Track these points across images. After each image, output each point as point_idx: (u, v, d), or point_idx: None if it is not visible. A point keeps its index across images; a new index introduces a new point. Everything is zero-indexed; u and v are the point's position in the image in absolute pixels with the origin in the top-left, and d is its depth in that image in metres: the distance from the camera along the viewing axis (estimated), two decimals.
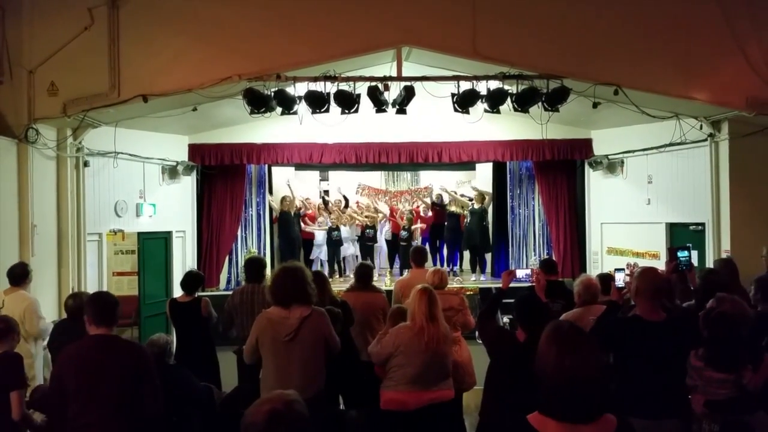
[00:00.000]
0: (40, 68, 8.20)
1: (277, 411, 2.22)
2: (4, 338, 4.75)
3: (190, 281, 7.28)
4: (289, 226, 13.26)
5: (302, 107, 8.49)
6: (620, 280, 5.05)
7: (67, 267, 8.92)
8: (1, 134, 8.04)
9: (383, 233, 14.29)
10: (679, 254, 5.21)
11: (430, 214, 14.10)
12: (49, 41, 8.15)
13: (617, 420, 2.40)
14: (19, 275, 6.79)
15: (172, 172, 11.53)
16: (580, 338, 2.48)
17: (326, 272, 12.31)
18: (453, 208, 13.37)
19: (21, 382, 4.53)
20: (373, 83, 8.32)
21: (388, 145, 12.09)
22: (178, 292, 10.43)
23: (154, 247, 11.24)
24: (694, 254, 9.70)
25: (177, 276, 11.27)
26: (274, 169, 13.81)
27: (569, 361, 2.38)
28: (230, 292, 7.28)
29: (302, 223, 13.63)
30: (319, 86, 8.23)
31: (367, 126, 11.12)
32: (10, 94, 8.19)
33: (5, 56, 8.08)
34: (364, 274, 6.80)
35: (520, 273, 9.59)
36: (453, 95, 8.50)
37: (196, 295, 7.19)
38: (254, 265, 6.85)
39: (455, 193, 13.94)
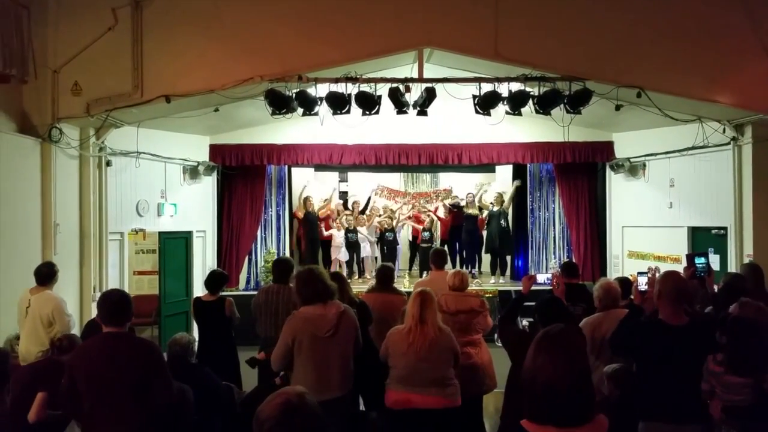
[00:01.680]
0: (65, 68, 8.28)
1: (290, 403, 2.22)
2: (64, 353, 4.79)
3: (215, 281, 7.31)
4: (312, 227, 13.30)
5: (323, 108, 8.50)
6: (643, 283, 4.99)
7: (88, 266, 9.01)
8: (25, 133, 8.14)
9: (404, 235, 14.31)
10: (697, 261, 5.20)
11: (448, 216, 14.06)
12: (73, 41, 8.24)
13: (608, 422, 2.39)
14: (46, 275, 6.83)
15: (193, 172, 11.60)
16: (559, 341, 2.46)
17: (345, 273, 12.32)
18: (470, 211, 13.31)
19: (48, 385, 4.52)
20: (395, 84, 8.32)
21: (408, 147, 12.09)
22: (198, 291, 10.54)
23: (174, 247, 11.31)
24: (716, 258, 9.66)
25: (197, 275, 11.38)
26: (294, 170, 13.84)
27: (540, 361, 2.37)
28: (249, 292, 7.30)
29: (321, 225, 13.68)
30: (340, 87, 8.25)
31: (387, 127, 11.14)
32: (34, 93, 8.28)
33: (30, 56, 8.16)
34: (385, 275, 6.80)
35: (541, 277, 9.57)
36: (474, 97, 8.48)
37: (219, 295, 7.22)
38: (282, 266, 6.86)
39: (473, 196, 13.81)
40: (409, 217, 14.61)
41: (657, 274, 4.50)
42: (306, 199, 13.36)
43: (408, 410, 4.83)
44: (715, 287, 5.84)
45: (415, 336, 4.79)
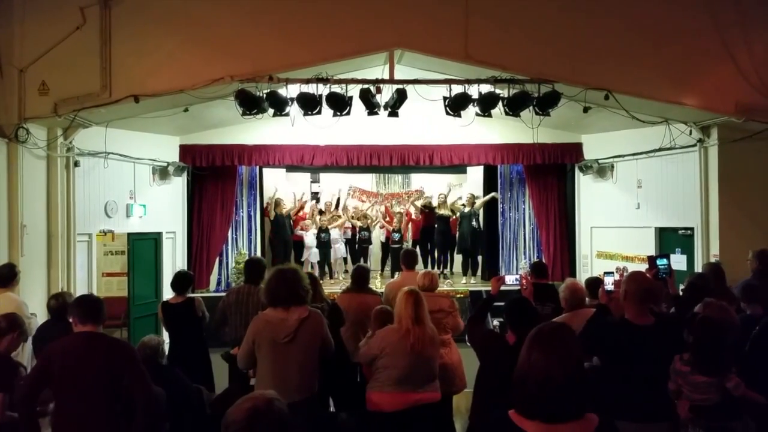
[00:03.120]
0: (31, 67, 8.14)
1: (257, 408, 2.23)
2: (0, 338, 4.75)
3: (180, 281, 7.25)
4: (282, 228, 13.26)
5: (294, 109, 8.49)
6: (609, 283, 5.07)
7: (56, 267, 8.87)
8: None
9: (376, 235, 14.34)
10: (659, 262, 5.29)
11: (420, 216, 14.13)
12: (41, 40, 8.10)
13: (599, 419, 2.42)
14: (7, 276, 6.72)
15: (162, 172, 11.51)
16: (553, 337, 2.49)
17: (316, 274, 12.31)
18: (442, 211, 13.38)
19: (5, 385, 4.46)
20: (366, 86, 8.33)
21: (380, 148, 12.13)
22: (167, 293, 10.42)
23: (144, 248, 11.21)
24: (683, 258, 9.82)
25: (167, 277, 11.23)
26: (265, 170, 13.79)
27: (534, 357, 2.40)
28: (220, 294, 7.26)
29: (293, 225, 13.68)
30: (311, 88, 8.24)
31: (358, 128, 11.16)
32: (0, 93, 8.15)
33: None
34: (361, 276, 6.80)
35: (510, 278, 9.63)
36: (445, 98, 8.53)
37: (187, 296, 7.16)
38: (254, 267, 6.82)
39: (445, 196, 13.86)
40: (384, 217, 14.64)
41: (624, 274, 4.58)
42: (277, 202, 13.32)
43: (401, 411, 4.82)
44: (681, 287, 5.96)
45: (416, 336, 4.80)
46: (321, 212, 14.45)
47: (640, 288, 4.15)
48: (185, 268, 11.58)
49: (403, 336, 4.83)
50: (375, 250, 14.70)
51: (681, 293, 5.66)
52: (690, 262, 9.97)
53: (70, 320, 4.15)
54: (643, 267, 7.41)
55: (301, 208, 14.29)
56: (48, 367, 3.90)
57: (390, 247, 13.68)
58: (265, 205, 13.53)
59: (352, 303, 6.37)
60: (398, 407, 4.82)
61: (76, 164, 9.26)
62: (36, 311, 7.53)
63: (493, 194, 13.42)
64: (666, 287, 5.29)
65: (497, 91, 8.50)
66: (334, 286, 12.01)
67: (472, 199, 13.10)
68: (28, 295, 7.45)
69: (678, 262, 9.76)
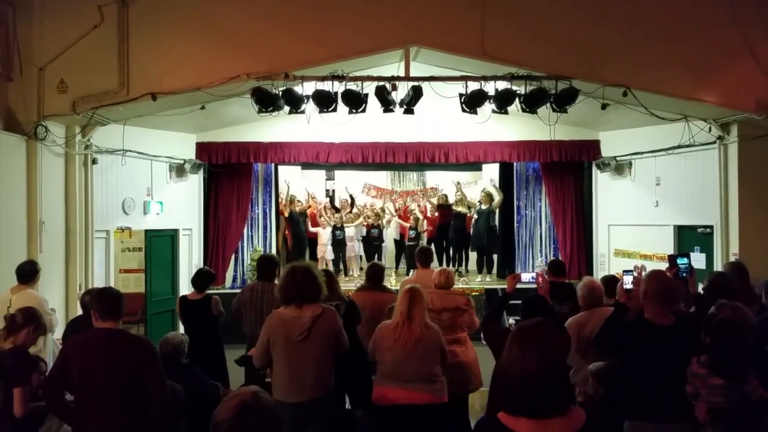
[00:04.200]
0: (50, 66, 8.23)
1: (245, 404, 2.23)
2: (17, 332, 4.78)
3: (202, 279, 7.28)
4: (297, 226, 13.30)
5: (310, 106, 8.49)
6: (629, 282, 5.02)
7: (74, 264, 8.98)
8: (11, 131, 8.09)
9: (390, 233, 14.34)
10: (679, 261, 5.23)
11: (436, 214, 14.10)
12: (59, 39, 8.19)
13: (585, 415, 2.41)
14: (28, 273, 6.80)
15: (179, 170, 11.57)
16: (533, 333, 2.48)
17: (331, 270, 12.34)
18: (459, 209, 13.35)
19: (23, 378, 4.51)
20: (381, 83, 8.32)
21: (395, 145, 12.10)
22: (184, 289, 10.51)
23: (160, 245, 11.27)
24: (702, 257, 9.72)
25: (183, 274, 11.35)
26: (280, 167, 13.82)
27: (513, 353, 2.40)
28: (236, 290, 7.27)
29: (308, 222, 13.71)
30: (326, 86, 8.24)
31: (374, 126, 11.13)
32: (19, 91, 8.23)
33: (15, 54, 8.12)
34: (375, 273, 6.81)
35: (526, 276, 9.60)
36: (461, 95, 8.49)
37: (206, 293, 7.19)
38: (267, 264, 6.84)
39: (461, 191, 13.81)
40: (398, 215, 14.64)
41: (643, 273, 4.53)
42: (291, 199, 13.35)
43: (393, 406, 4.84)
44: (700, 286, 5.89)
45: (402, 332, 4.81)
46: (336, 209, 14.46)
47: (660, 287, 4.11)
48: (201, 264, 11.63)
49: (392, 330, 4.87)
50: (390, 247, 14.70)
51: (702, 292, 5.59)
52: (709, 260, 9.87)
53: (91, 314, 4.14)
54: (661, 265, 7.36)
55: (309, 207, 14.30)
56: (67, 364, 3.92)
57: (405, 244, 13.66)
58: (281, 207, 13.55)
59: (367, 301, 6.37)
60: (390, 401, 4.86)
61: (94, 161, 9.35)
62: (54, 307, 7.60)
63: (492, 183, 13.39)
64: (686, 286, 5.23)
65: (514, 87, 8.46)
66: (349, 284, 12.01)
67: (489, 197, 12.99)
68: (46, 291, 7.52)
69: (697, 260, 9.66)
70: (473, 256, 13.55)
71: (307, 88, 8.42)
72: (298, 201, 13.64)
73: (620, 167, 11.81)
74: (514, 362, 2.38)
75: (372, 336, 6.00)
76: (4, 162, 7.87)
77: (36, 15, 8.25)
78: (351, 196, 14.85)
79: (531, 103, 8.41)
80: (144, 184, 10.83)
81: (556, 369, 2.37)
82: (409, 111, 8.67)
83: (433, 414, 4.86)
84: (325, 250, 13.67)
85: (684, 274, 5.18)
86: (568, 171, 12.86)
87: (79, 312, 6.73)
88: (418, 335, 4.84)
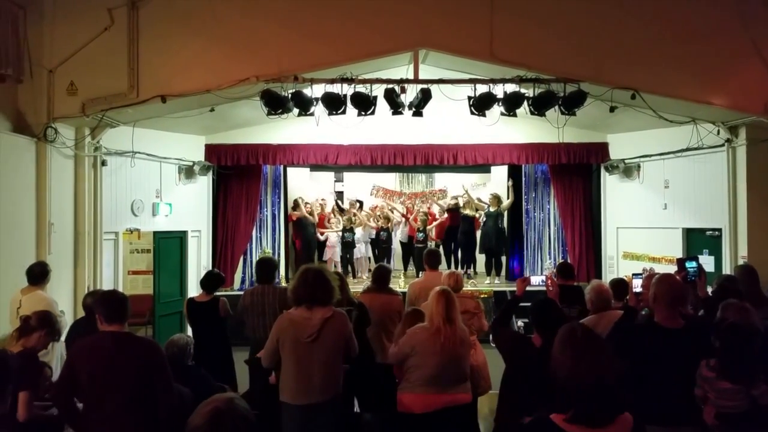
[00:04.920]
0: (60, 68, 8.27)
1: (218, 410, 2.23)
2: (29, 335, 4.78)
3: (211, 281, 7.29)
4: (306, 228, 13.32)
5: (319, 109, 8.50)
6: (638, 285, 5.00)
7: (83, 265, 9.00)
8: (20, 133, 8.13)
9: (398, 235, 14.33)
10: (688, 264, 5.21)
11: (445, 215, 14.11)
12: (69, 41, 8.23)
13: (633, 419, 2.42)
14: (38, 274, 6.82)
15: (188, 171, 11.60)
16: (593, 342, 2.49)
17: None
18: (467, 211, 13.35)
19: (29, 382, 4.48)
20: (390, 85, 8.33)
21: (404, 147, 12.11)
22: (192, 291, 10.54)
23: (169, 247, 11.30)
24: (711, 260, 9.69)
25: (192, 275, 11.38)
26: (289, 170, 13.84)
27: (585, 364, 2.40)
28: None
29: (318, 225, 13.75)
30: (336, 88, 8.25)
31: (382, 128, 11.14)
32: (29, 93, 8.27)
33: (26, 55, 8.15)
34: (382, 275, 6.80)
35: (535, 279, 9.59)
36: (469, 98, 8.49)
37: (214, 295, 7.20)
38: (266, 266, 6.85)
39: (468, 194, 13.81)
40: (405, 216, 14.65)
41: (653, 274, 4.52)
42: (297, 203, 13.39)
43: (435, 411, 4.81)
44: (709, 289, 5.87)
45: (447, 335, 4.79)
46: (342, 211, 14.47)
47: (670, 290, 4.09)
48: (210, 266, 11.67)
49: (434, 335, 4.81)
50: (398, 249, 14.71)
51: (711, 295, 5.57)
52: (718, 263, 9.84)
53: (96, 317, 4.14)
54: (670, 268, 7.34)
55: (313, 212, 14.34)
56: (74, 370, 3.90)
57: (414, 246, 13.67)
58: (289, 213, 13.56)
59: (374, 303, 6.36)
60: (428, 409, 4.80)
61: (103, 163, 9.38)
62: (63, 308, 7.63)
63: (508, 185, 13.31)
64: (695, 290, 5.21)
65: (522, 90, 8.45)
66: (358, 286, 12.00)
67: (497, 200, 12.98)
68: (54, 292, 7.54)
69: (706, 263, 9.58)
70: (482, 258, 13.53)
71: (316, 91, 8.42)
72: (306, 203, 13.64)
73: (629, 170, 11.78)
74: (570, 370, 2.40)
75: (378, 338, 6.03)
76: (14, 164, 7.90)
77: (46, 17, 8.29)
78: (359, 201, 14.91)
79: (539, 106, 8.41)
80: (153, 185, 10.86)
81: (613, 376, 2.39)
82: (417, 113, 8.68)
83: (447, 416, 4.85)
84: (334, 252, 13.68)
85: (693, 278, 5.16)
86: (577, 173, 12.84)
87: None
88: (460, 337, 4.89)
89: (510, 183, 13.37)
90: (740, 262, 8.72)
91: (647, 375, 4.05)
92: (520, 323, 7.99)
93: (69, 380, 3.94)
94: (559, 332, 2.63)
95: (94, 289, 8.20)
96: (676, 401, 3.98)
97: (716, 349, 4.10)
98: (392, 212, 14.34)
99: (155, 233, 10.95)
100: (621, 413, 2.43)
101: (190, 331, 7.47)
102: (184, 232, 11.63)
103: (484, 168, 14.12)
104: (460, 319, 4.99)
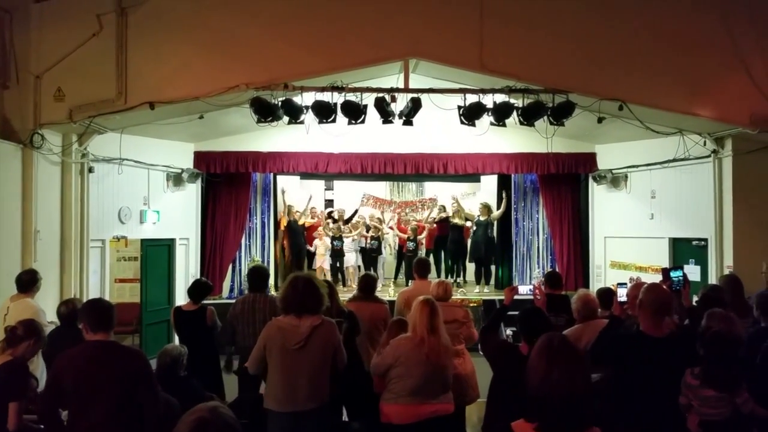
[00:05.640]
0: (47, 74, 8.23)
1: (203, 419, 2.20)
2: (17, 345, 4.73)
3: (198, 290, 7.23)
4: (296, 236, 13.28)
5: (309, 117, 8.50)
6: (623, 294, 5.03)
7: (69, 273, 8.93)
8: (7, 139, 8.06)
9: (390, 243, 14.36)
10: (672, 274, 5.25)
11: (434, 225, 14.13)
12: (57, 47, 8.19)
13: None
14: (27, 282, 6.76)
15: (176, 179, 11.55)
16: (568, 354, 2.49)
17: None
18: (456, 220, 13.38)
19: (19, 393, 4.43)
20: (380, 94, 8.34)
21: (394, 156, 12.12)
22: (180, 299, 10.47)
23: (157, 254, 11.22)
24: (697, 269, 9.75)
25: (180, 283, 11.31)
26: (279, 177, 13.82)
27: (557, 374, 2.40)
28: (233, 301, 7.25)
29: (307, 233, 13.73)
30: (326, 96, 8.25)
31: (373, 137, 11.16)
32: (16, 99, 8.23)
33: (12, 61, 8.12)
34: (368, 284, 6.80)
35: (523, 288, 9.62)
36: (459, 108, 8.52)
37: (201, 304, 7.16)
38: (257, 275, 6.83)
39: (458, 203, 13.82)
40: (392, 228, 14.67)
41: (641, 284, 4.55)
42: (289, 208, 13.36)
43: (418, 423, 4.77)
44: (695, 298, 5.90)
45: (431, 345, 4.76)
46: (334, 220, 14.47)
47: (657, 300, 4.11)
48: (198, 274, 11.62)
49: (418, 345, 4.79)
50: (388, 258, 14.71)
51: (695, 305, 5.61)
52: (704, 273, 9.91)
53: (80, 327, 4.10)
54: (656, 278, 7.38)
55: (311, 215, 14.32)
56: (59, 380, 3.86)
57: (404, 255, 13.67)
58: (278, 218, 13.53)
59: (361, 312, 6.33)
60: (411, 420, 4.77)
61: (90, 170, 9.32)
62: (48, 317, 7.55)
63: (504, 195, 13.35)
64: (680, 299, 5.25)
65: (511, 100, 8.50)
66: (347, 294, 11.97)
67: (487, 209, 13.02)
68: (40, 300, 7.45)
69: (692, 273, 9.69)
70: (471, 267, 13.55)
71: (306, 99, 8.42)
72: (297, 211, 13.63)
73: (616, 180, 11.87)
74: (542, 378, 2.39)
75: (363, 347, 6.01)
76: (0, 170, 7.85)
77: (33, 23, 8.25)
78: (355, 210, 14.98)
79: (528, 116, 8.46)
80: (141, 193, 10.80)
81: (585, 388, 2.39)
82: (408, 122, 8.70)
83: (433, 426, 4.83)
84: (323, 261, 13.66)
85: (678, 287, 5.19)
86: (565, 183, 12.90)
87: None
88: (444, 348, 4.86)
89: (505, 194, 13.37)
90: (726, 271, 8.78)
91: (631, 383, 4.07)
92: (508, 332, 8.01)
93: (54, 391, 3.90)
94: (537, 341, 2.64)
95: (72, 297, 8.08)
96: (660, 410, 4.00)
97: (700, 358, 4.12)
98: (380, 224, 14.30)
99: (143, 241, 10.87)
100: (589, 427, 2.43)
101: (177, 340, 7.40)
102: (172, 240, 11.57)
103: (473, 177, 14.16)
104: (443, 329, 4.96)
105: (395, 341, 4.99)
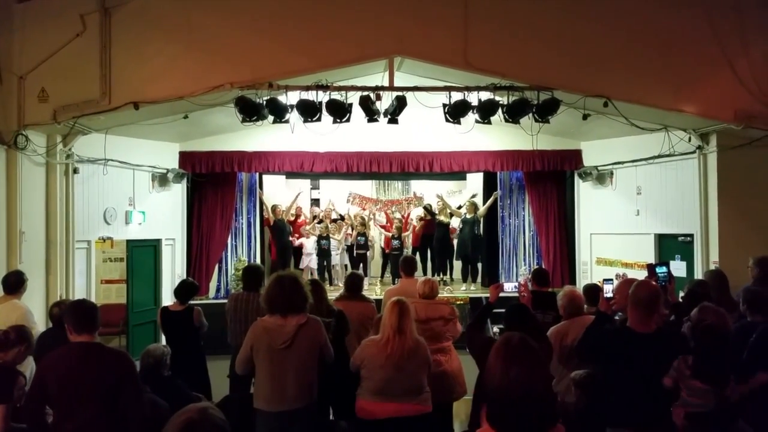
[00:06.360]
0: (31, 74, 8.16)
1: (192, 420, 2.21)
2: (7, 350, 4.70)
3: (185, 290, 7.20)
4: (282, 234, 13.27)
5: (294, 116, 8.48)
6: (609, 290, 5.05)
7: (55, 274, 8.87)
8: None
9: (378, 242, 14.37)
10: (658, 270, 5.29)
11: (421, 223, 14.14)
12: (40, 47, 8.13)
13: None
14: (14, 283, 6.70)
15: (162, 179, 11.50)
16: (527, 353, 2.49)
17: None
18: (442, 218, 13.39)
19: (5, 397, 4.41)
20: (365, 93, 8.33)
21: (380, 155, 12.14)
22: (166, 300, 10.43)
23: (143, 255, 11.18)
24: (683, 265, 9.81)
25: (166, 284, 11.27)
26: (265, 177, 13.79)
27: (514, 373, 2.40)
28: (219, 301, 7.24)
29: (293, 232, 13.71)
30: (311, 95, 8.24)
31: (358, 135, 11.17)
32: None
33: None
34: (354, 283, 6.78)
35: (508, 286, 9.66)
36: (444, 105, 8.53)
37: (188, 304, 7.14)
38: (252, 273, 6.82)
39: (442, 200, 13.83)
40: (383, 227, 14.67)
41: (630, 281, 4.57)
42: (274, 207, 13.33)
43: (381, 420, 4.79)
44: (681, 293, 5.94)
45: (394, 346, 4.73)
46: (320, 221, 14.45)
47: (642, 296, 4.13)
48: (184, 275, 11.57)
49: (382, 347, 4.77)
50: (375, 257, 14.70)
51: (681, 300, 5.64)
52: (690, 268, 9.97)
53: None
54: (642, 274, 7.42)
55: (297, 213, 14.30)
56: (44, 382, 3.84)
57: (390, 254, 13.68)
58: (264, 217, 13.50)
59: (348, 310, 6.33)
60: (379, 416, 4.78)
61: (75, 171, 9.27)
62: (34, 318, 7.51)
63: (495, 194, 13.36)
64: (666, 294, 5.28)
65: (496, 98, 8.51)
66: (334, 293, 11.94)
67: (473, 206, 13.06)
68: (26, 302, 7.40)
69: (677, 268, 9.74)
70: (458, 264, 13.56)
71: (291, 98, 8.42)
72: (282, 210, 13.60)
73: (602, 176, 11.92)
74: (500, 378, 2.38)
75: (350, 345, 6.01)
76: None
77: (16, 23, 8.18)
78: (341, 216, 14.99)
79: (513, 114, 8.47)
80: (126, 193, 10.75)
81: (544, 388, 2.38)
82: (393, 121, 8.69)
83: (418, 424, 4.84)
84: (310, 260, 13.64)
85: (663, 283, 5.23)
86: (551, 180, 12.95)
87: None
88: (410, 349, 4.80)
89: (494, 194, 13.36)
90: (712, 267, 8.83)
91: (618, 379, 4.09)
92: (495, 329, 8.02)
93: (39, 392, 3.88)
94: (496, 341, 2.64)
95: (64, 298, 8.06)
96: (645, 405, 4.02)
97: (688, 351, 4.15)
98: (364, 222, 14.26)
99: (128, 242, 10.82)
100: (553, 426, 2.43)
101: (164, 341, 7.37)
102: (158, 241, 11.52)
103: (459, 175, 14.19)
104: (413, 330, 4.90)
105: (364, 342, 5.03)
